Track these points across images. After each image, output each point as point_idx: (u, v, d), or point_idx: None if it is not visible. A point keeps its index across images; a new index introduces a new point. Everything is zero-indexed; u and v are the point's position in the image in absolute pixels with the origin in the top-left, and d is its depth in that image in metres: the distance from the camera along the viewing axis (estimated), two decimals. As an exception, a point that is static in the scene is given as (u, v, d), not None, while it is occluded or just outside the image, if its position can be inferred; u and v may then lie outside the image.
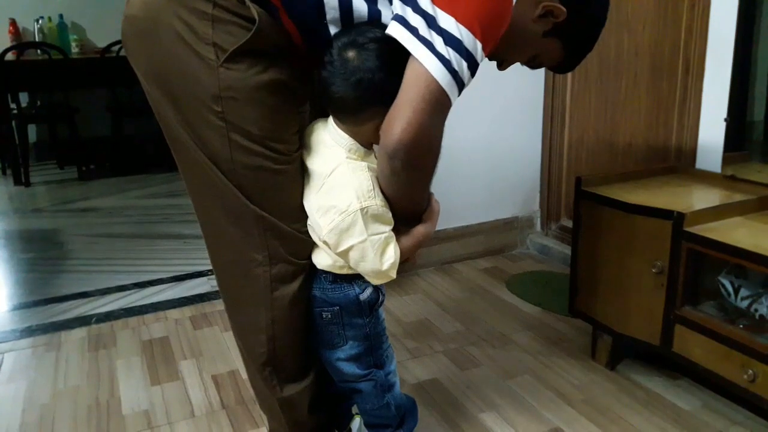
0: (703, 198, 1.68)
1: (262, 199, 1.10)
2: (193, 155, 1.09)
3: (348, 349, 1.19)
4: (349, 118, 1.07)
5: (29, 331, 2.07)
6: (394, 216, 1.09)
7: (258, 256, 1.13)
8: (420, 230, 1.13)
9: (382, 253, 1.07)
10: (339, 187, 1.06)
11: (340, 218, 1.05)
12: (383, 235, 1.07)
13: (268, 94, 1.04)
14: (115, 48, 4.10)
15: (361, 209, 1.04)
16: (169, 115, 1.08)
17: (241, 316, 1.21)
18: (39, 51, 4.19)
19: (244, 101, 1.03)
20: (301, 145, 1.14)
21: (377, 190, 1.06)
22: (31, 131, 4.51)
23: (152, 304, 2.25)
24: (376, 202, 1.05)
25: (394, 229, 1.10)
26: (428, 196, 1.16)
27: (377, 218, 1.06)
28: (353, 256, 1.07)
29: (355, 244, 1.05)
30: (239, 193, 1.08)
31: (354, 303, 1.15)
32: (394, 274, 1.10)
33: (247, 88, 1.03)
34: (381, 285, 1.17)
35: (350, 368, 1.20)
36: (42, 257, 2.79)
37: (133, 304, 2.25)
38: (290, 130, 1.10)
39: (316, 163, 1.12)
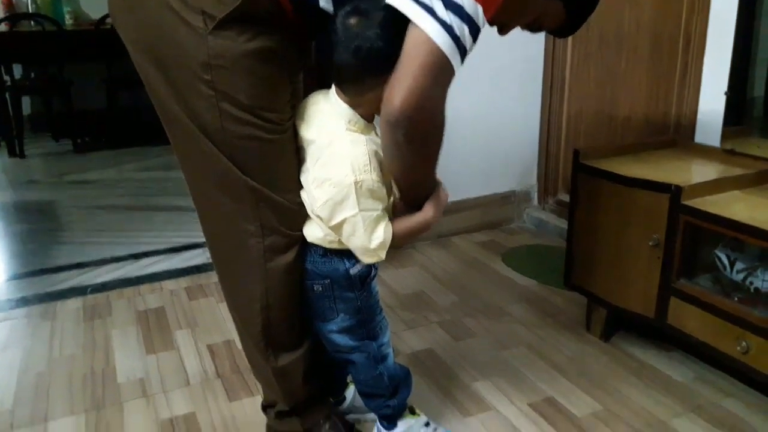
0: (701, 172, 1.67)
1: (254, 169, 1.08)
2: (184, 126, 1.07)
3: (340, 322, 1.19)
4: (350, 87, 1.05)
5: (25, 301, 2.07)
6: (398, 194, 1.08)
7: (251, 227, 1.12)
8: (418, 217, 1.11)
9: (372, 230, 1.07)
10: (336, 159, 1.06)
11: (335, 191, 1.04)
12: (375, 213, 1.06)
13: (257, 62, 1.02)
14: (110, 20, 4.03)
15: (356, 182, 1.03)
16: (158, 86, 1.07)
17: (235, 286, 1.21)
18: (32, 22, 4.13)
19: (234, 69, 1.01)
20: (294, 114, 1.12)
21: (374, 165, 1.05)
22: (26, 103, 4.46)
23: (148, 275, 2.25)
24: (372, 177, 1.04)
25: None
26: (435, 183, 1.14)
27: (371, 193, 1.05)
28: (346, 229, 1.07)
29: (347, 217, 1.05)
30: (231, 164, 1.07)
31: (344, 277, 1.15)
32: (383, 255, 1.09)
33: (237, 56, 1.01)
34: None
35: (343, 340, 1.21)
36: (38, 229, 2.78)
37: (129, 275, 2.24)
38: (282, 99, 1.09)
39: (314, 132, 1.10)
